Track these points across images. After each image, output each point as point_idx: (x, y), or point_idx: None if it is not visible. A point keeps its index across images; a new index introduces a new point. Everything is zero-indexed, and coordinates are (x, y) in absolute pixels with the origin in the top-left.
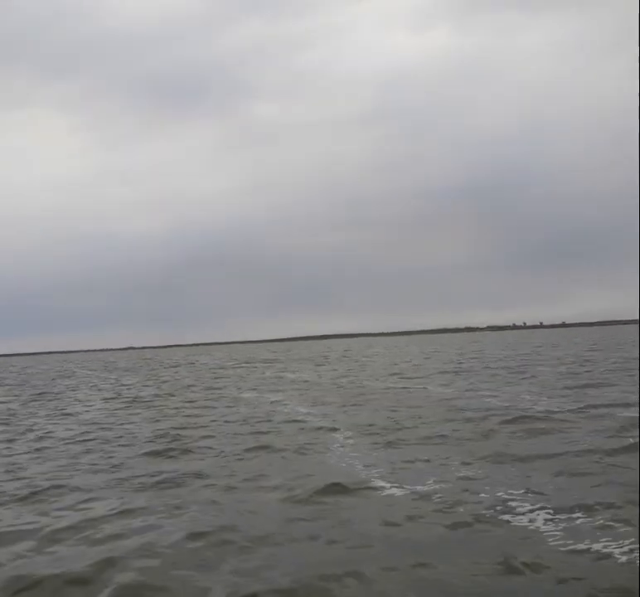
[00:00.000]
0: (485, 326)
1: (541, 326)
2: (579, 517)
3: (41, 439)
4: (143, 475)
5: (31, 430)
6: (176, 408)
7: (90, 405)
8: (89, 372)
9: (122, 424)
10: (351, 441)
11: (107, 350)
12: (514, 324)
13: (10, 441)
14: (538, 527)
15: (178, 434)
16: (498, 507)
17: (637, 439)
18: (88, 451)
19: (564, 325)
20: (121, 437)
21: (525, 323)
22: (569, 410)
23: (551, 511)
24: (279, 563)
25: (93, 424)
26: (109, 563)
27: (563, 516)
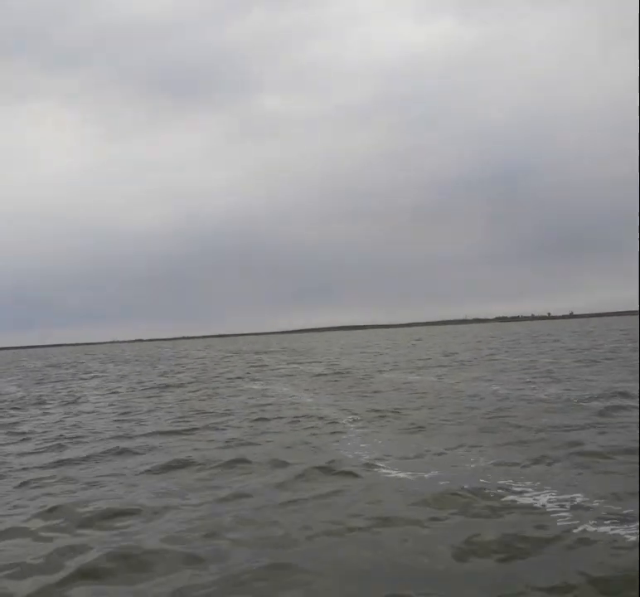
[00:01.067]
0: (493, 317)
1: (549, 317)
2: (582, 501)
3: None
4: None
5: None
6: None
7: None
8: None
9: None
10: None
11: (115, 342)
12: (521, 315)
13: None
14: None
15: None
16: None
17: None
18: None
19: (572, 316)
20: None
21: (532, 315)
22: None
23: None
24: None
25: None
26: None
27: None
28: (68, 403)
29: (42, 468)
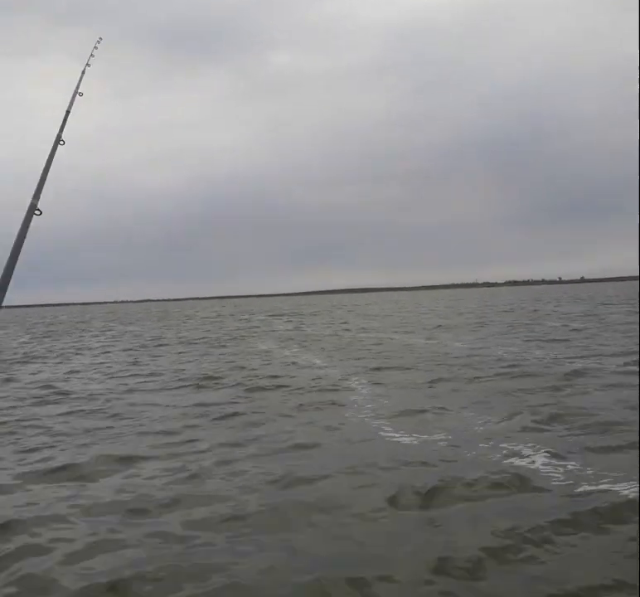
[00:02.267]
0: (503, 281)
1: (560, 281)
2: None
3: None
4: None
5: None
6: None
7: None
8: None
9: None
10: None
11: (122, 302)
12: (531, 279)
13: None
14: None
15: None
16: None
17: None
18: None
19: (583, 280)
20: None
21: (543, 279)
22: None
23: None
24: None
25: None
26: None
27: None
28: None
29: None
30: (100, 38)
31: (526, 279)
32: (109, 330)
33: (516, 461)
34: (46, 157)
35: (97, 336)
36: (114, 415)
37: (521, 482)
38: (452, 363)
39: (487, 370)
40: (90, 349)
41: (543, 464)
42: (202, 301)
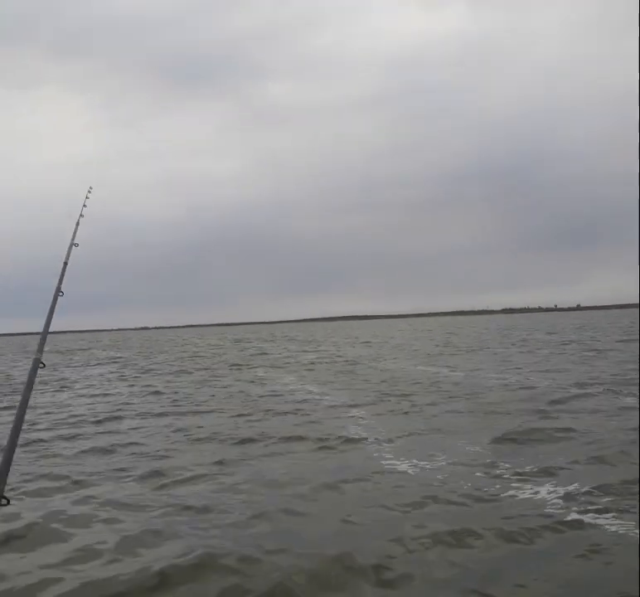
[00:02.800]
0: (500, 309)
1: (556, 309)
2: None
3: None
4: None
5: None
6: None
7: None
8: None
9: None
10: None
11: (120, 330)
12: (528, 307)
13: None
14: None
15: None
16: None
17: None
18: None
19: (578, 308)
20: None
21: (539, 306)
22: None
23: None
24: None
25: None
26: None
27: None
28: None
29: None
30: (91, 188)
31: (523, 306)
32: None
33: None
34: (60, 274)
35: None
36: None
37: None
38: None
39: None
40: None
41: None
42: (200, 328)
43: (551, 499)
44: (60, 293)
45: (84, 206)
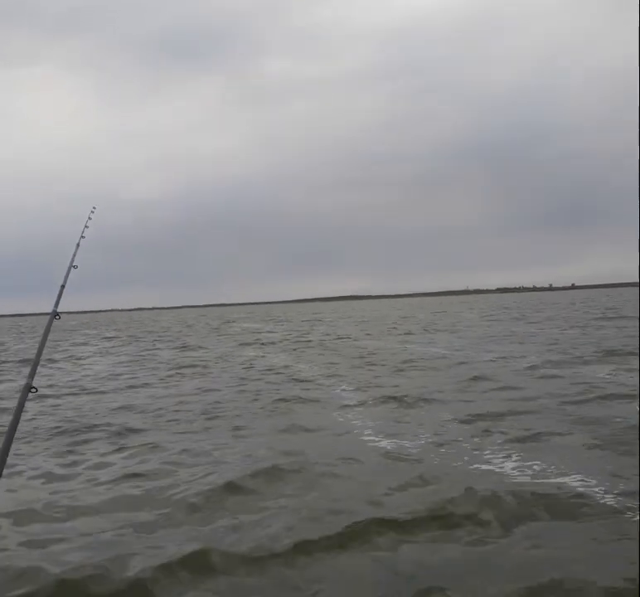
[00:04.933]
0: (495, 288)
1: (551, 288)
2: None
3: None
4: None
5: None
6: None
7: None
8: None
9: None
10: None
11: (115, 310)
12: (522, 286)
13: None
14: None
15: None
16: None
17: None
18: None
19: (573, 287)
20: None
21: (534, 286)
22: None
23: None
24: None
25: None
26: None
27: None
28: None
29: None
30: (94, 207)
31: (517, 285)
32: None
33: None
34: (56, 299)
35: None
36: None
37: None
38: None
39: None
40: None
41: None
42: (197, 309)
43: None
44: (57, 317)
45: (86, 226)
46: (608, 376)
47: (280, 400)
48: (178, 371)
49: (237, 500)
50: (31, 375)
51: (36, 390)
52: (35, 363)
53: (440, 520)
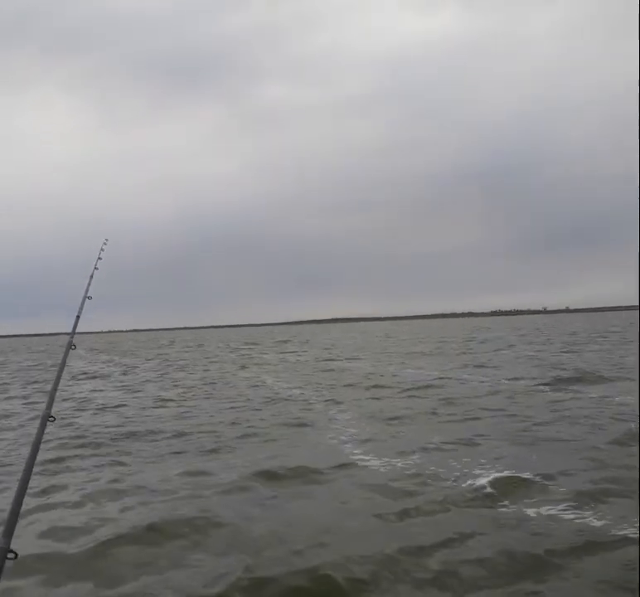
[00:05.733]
0: (488, 311)
1: (544, 311)
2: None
3: None
4: None
5: None
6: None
7: None
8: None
9: None
10: None
11: (112, 332)
12: (516, 309)
13: None
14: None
15: None
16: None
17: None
18: None
19: (567, 310)
20: None
21: (528, 309)
22: None
23: None
24: None
25: None
26: None
27: None
28: None
29: None
30: (107, 239)
31: (511, 308)
32: None
33: None
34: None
35: None
36: None
37: None
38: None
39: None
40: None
41: None
42: (194, 331)
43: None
44: (73, 347)
45: (99, 258)
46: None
47: None
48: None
49: None
50: (49, 405)
51: (54, 420)
52: (52, 391)
53: None
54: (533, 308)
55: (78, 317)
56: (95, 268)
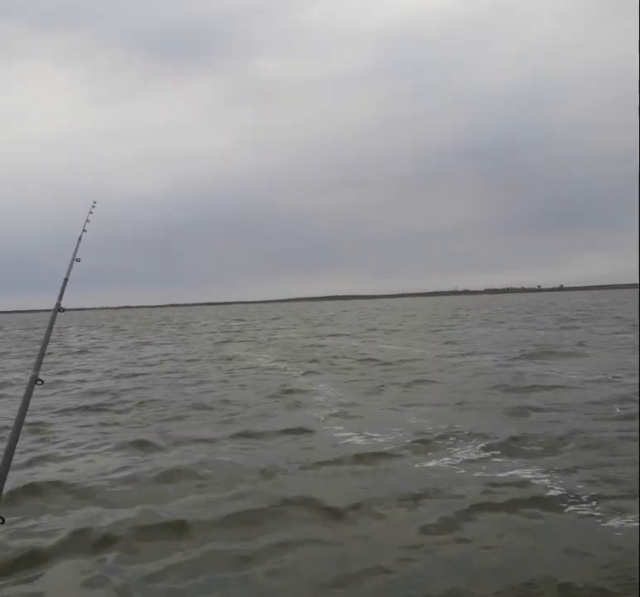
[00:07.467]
0: (483, 289)
1: (539, 289)
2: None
3: None
4: None
5: None
6: None
7: None
8: None
9: None
10: None
11: (104, 308)
12: (511, 287)
13: None
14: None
15: None
16: None
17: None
18: None
19: (562, 288)
20: None
21: (522, 287)
22: None
23: None
24: None
25: None
26: None
27: None
28: None
29: None
30: (95, 202)
31: (506, 286)
32: None
33: None
34: (59, 293)
35: None
36: None
37: None
38: None
39: None
40: None
41: None
42: (186, 307)
43: None
44: (60, 310)
45: (88, 221)
46: None
47: None
48: None
49: None
50: (37, 367)
51: (42, 383)
52: (40, 355)
53: None
54: (527, 285)
55: (66, 279)
56: (84, 230)
